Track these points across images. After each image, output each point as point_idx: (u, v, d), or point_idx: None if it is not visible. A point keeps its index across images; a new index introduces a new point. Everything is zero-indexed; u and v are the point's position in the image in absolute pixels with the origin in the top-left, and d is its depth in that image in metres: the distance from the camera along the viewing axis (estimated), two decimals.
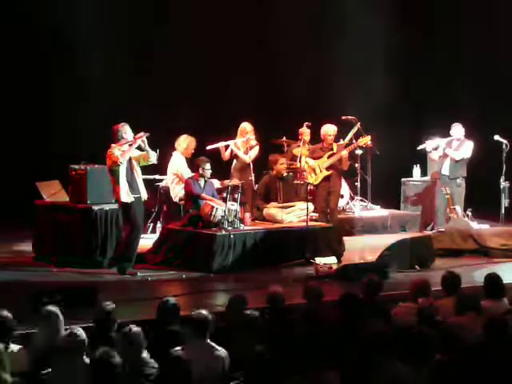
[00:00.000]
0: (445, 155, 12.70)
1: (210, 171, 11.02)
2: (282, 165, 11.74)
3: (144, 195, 10.20)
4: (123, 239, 10.22)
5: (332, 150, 11.82)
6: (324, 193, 11.80)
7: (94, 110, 13.22)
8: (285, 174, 11.90)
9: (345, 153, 11.88)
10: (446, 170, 12.74)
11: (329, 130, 11.84)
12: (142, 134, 9.99)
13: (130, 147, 9.98)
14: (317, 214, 11.99)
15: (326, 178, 11.77)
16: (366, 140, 12.03)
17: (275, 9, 14.63)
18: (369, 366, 5.20)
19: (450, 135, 12.72)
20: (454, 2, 15.33)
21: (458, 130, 12.70)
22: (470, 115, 13.48)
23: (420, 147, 13.07)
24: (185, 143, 11.55)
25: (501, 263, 10.61)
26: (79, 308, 7.70)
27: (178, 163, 11.51)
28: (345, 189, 13.55)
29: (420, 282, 7.35)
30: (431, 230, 12.74)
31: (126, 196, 9.92)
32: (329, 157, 11.77)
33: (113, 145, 9.94)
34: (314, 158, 11.82)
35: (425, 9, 15.20)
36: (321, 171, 11.77)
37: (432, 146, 12.84)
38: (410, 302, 7.20)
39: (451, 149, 12.66)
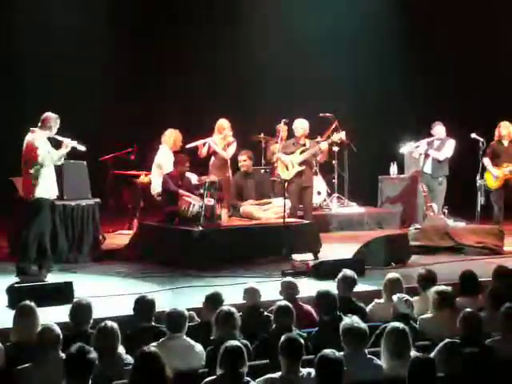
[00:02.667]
0: (427, 154, 12.77)
1: (188, 168, 11.01)
2: (245, 161, 11.63)
3: (55, 192, 9.74)
4: (21, 239, 9.63)
5: (304, 145, 11.82)
6: (296, 188, 11.79)
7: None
8: (259, 171, 11.88)
9: (324, 145, 11.93)
10: (428, 169, 12.78)
11: (298, 124, 11.86)
12: (75, 143, 9.62)
13: (61, 150, 9.58)
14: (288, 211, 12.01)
15: (299, 174, 11.77)
16: (340, 136, 12.05)
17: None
18: (344, 362, 5.21)
19: (431, 134, 12.80)
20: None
21: (439, 129, 12.75)
22: (447, 113, 13.57)
23: (402, 150, 13.12)
24: (172, 138, 11.58)
25: (476, 260, 10.66)
26: (55, 304, 7.68)
27: (163, 157, 11.52)
28: (322, 185, 13.60)
29: (393, 279, 7.38)
30: (408, 227, 12.79)
31: (48, 193, 9.57)
32: (301, 152, 11.77)
33: (36, 131, 9.50)
34: (287, 154, 11.82)
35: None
36: (293, 167, 11.76)
37: (413, 145, 12.90)
38: (385, 298, 7.25)
39: (433, 148, 12.72)
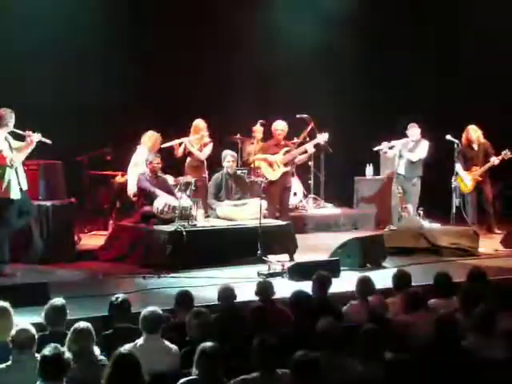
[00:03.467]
0: (401, 155, 12.84)
1: (160, 165, 10.96)
2: (229, 162, 11.63)
3: (24, 185, 9.54)
4: None
5: (286, 146, 11.90)
6: (279, 189, 11.85)
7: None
8: (237, 172, 11.88)
9: (311, 148, 12.01)
10: (402, 170, 12.87)
11: (278, 125, 11.91)
12: (40, 136, 9.34)
13: (26, 147, 9.36)
14: (266, 212, 12.02)
15: (283, 175, 11.84)
16: (324, 137, 12.12)
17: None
18: (319, 364, 5.22)
19: (406, 135, 12.87)
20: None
21: (414, 130, 12.84)
22: (421, 115, 13.67)
23: (376, 148, 13.18)
24: (151, 139, 11.55)
25: (451, 262, 10.72)
26: (30, 304, 7.64)
27: (140, 158, 11.48)
28: (298, 186, 13.63)
29: (363, 281, 7.41)
30: (383, 228, 12.84)
31: (17, 192, 9.42)
32: (285, 153, 11.85)
33: None
34: (270, 154, 11.88)
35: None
36: (279, 167, 11.83)
37: (388, 146, 12.97)
38: (359, 299, 7.27)
39: (407, 150, 12.80)
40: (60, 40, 13.13)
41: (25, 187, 9.53)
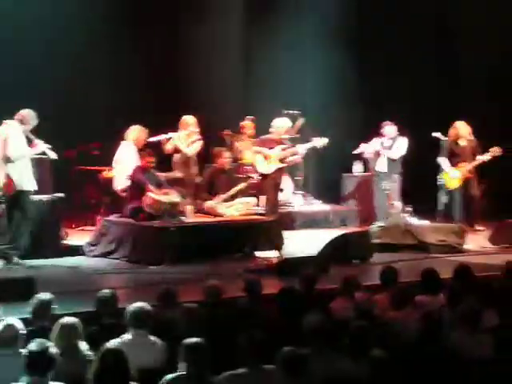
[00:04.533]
0: (378, 154, 12.93)
1: (154, 163, 10.97)
2: (226, 158, 11.72)
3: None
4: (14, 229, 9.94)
5: (283, 143, 11.93)
6: (273, 184, 11.88)
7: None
8: (228, 168, 11.91)
9: (302, 150, 12.07)
10: (381, 167, 12.95)
11: (279, 122, 11.98)
12: (46, 146, 9.97)
13: (32, 150, 9.93)
14: (259, 208, 12.04)
15: (278, 170, 11.87)
16: (323, 141, 12.17)
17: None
18: (307, 360, 5.23)
19: (382, 134, 12.96)
20: None
21: (389, 129, 12.95)
22: (405, 112, 13.71)
23: (356, 151, 13.24)
24: (136, 134, 11.50)
25: (438, 259, 10.74)
26: (16, 300, 7.62)
27: (126, 154, 11.44)
28: (287, 183, 13.63)
29: (349, 277, 7.43)
30: (370, 225, 12.87)
31: (32, 185, 9.85)
32: (283, 149, 11.88)
33: (11, 124, 9.74)
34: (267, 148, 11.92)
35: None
36: (274, 162, 11.85)
37: (366, 147, 13.06)
38: (345, 296, 7.27)
39: (385, 148, 12.89)
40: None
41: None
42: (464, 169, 12.68)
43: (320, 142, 12.17)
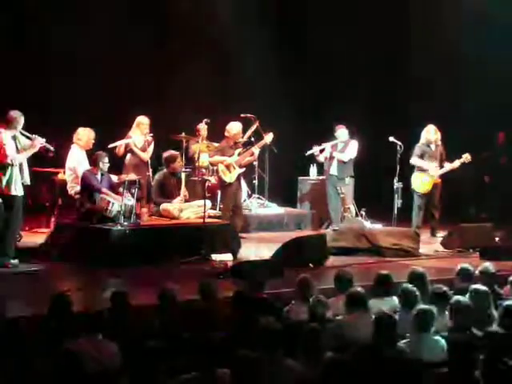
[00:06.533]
0: (331, 157, 13.01)
1: (108, 165, 10.92)
2: (179, 162, 11.72)
3: (27, 180, 9.90)
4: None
5: (239, 147, 11.98)
6: (234, 190, 11.95)
7: None
8: (182, 172, 11.90)
9: (257, 150, 12.11)
10: (334, 171, 13.06)
11: (234, 126, 12.08)
12: (44, 141, 9.88)
13: (29, 149, 9.80)
14: (215, 211, 12.06)
15: (238, 176, 11.96)
16: (270, 137, 12.25)
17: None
18: (260, 363, 5.24)
19: (335, 137, 13.05)
20: None
21: (341, 132, 13.06)
22: (359, 116, 13.82)
23: (308, 153, 13.32)
24: (85, 136, 11.40)
25: (393, 262, 10.82)
26: None
27: (76, 157, 11.34)
28: (243, 186, 13.66)
29: (303, 281, 7.46)
30: (326, 228, 12.94)
31: (20, 189, 9.72)
32: (239, 154, 11.94)
33: (3, 131, 9.64)
34: (227, 156, 11.96)
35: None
36: (234, 169, 11.90)
37: (318, 149, 13.14)
38: (300, 299, 7.30)
39: (337, 151, 12.98)
40: None
41: (27, 182, 9.84)
42: (435, 174, 12.70)
43: (269, 137, 12.30)
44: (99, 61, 13.82)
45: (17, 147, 9.74)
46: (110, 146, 11.74)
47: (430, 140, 12.70)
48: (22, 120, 9.78)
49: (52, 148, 10.08)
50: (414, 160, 12.69)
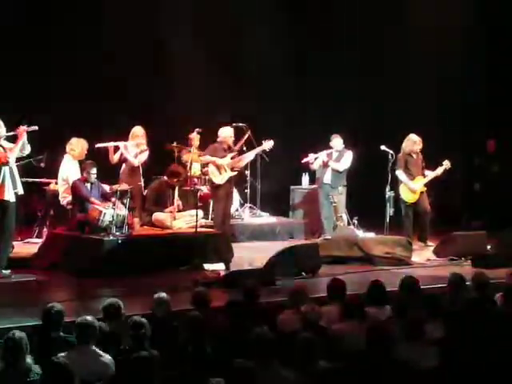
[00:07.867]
0: (326, 165, 13.04)
1: (95, 175, 10.90)
2: (179, 182, 11.76)
3: (20, 189, 9.81)
4: None
5: (232, 151, 12.00)
6: (225, 194, 11.92)
7: None
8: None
9: (251, 156, 12.15)
10: (328, 180, 13.10)
11: (227, 131, 12.10)
12: (25, 127, 9.64)
13: (17, 142, 9.65)
14: (207, 221, 12.05)
15: (229, 179, 11.92)
16: (270, 144, 12.30)
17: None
18: (254, 372, 5.24)
19: (330, 146, 13.08)
20: None
21: (337, 141, 13.12)
22: (353, 125, 13.83)
23: (304, 160, 13.34)
24: (78, 146, 11.40)
25: (385, 271, 10.83)
26: None
27: (68, 168, 11.34)
28: (235, 195, 13.66)
29: (296, 289, 7.47)
30: (318, 237, 12.94)
31: (12, 194, 9.66)
32: (232, 158, 11.94)
33: None
34: (218, 158, 11.94)
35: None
36: (226, 171, 11.89)
37: (314, 157, 13.17)
38: (292, 308, 7.30)
39: (332, 160, 13.02)
40: None
41: (21, 191, 9.73)
42: (421, 182, 12.74)
43: (268, 144, 12.32)
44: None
45: (5, 150, 9.60)
46: (99, 145, 11.72)
47: (413, 150, 12.77)
48: (1, 125, 9.62)
49: (35, 127, 9.71)
50: (400, 173, 12.75)
